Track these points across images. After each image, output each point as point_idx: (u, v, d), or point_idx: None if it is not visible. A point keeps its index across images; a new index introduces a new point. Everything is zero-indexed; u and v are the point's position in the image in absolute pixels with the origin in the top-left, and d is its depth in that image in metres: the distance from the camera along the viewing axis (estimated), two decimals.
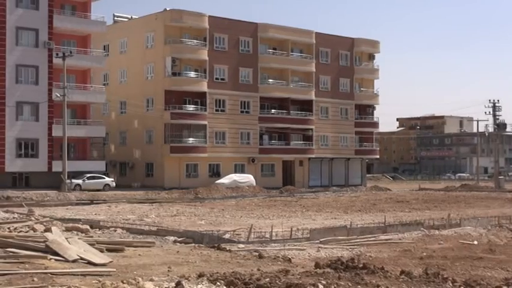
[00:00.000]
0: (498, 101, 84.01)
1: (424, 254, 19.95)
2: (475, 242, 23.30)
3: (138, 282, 11.89)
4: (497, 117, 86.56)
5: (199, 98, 69.47)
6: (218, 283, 13.09)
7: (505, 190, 69.39)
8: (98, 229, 24.20)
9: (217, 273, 14.11)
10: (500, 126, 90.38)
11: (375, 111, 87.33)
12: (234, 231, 24.45)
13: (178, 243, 20.96)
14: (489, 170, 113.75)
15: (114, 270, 14.43)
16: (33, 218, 26.06)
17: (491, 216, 32.50)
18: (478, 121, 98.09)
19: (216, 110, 70.75)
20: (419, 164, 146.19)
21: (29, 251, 15.73)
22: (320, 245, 21.65)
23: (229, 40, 72.18)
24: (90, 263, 15.14)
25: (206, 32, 69.97)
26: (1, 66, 57.52)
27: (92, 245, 17.42)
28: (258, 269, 15.07)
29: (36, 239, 17.10)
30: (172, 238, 22.10)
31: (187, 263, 16.42)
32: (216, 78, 70.89)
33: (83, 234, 20.96)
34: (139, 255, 17.56)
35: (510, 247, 22.15)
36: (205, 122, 69.36)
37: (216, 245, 20.49)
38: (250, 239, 22.21)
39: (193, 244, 20.83)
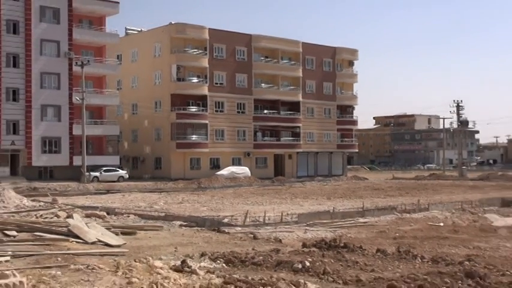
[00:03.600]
0: (461, 101, 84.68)
1: (397, 234, 20.10)
2: (441, 224, 23.48)
3: (149, 261, 11.90)
4: (460, 115, 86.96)
5: (201, 100, 69.66)
6: (218, 261, 13.14)
7: (467, 178, 69.78)
8: (113, 215, 24.22)
9: (218, 252, 14.17)
10: (463, 123, 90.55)
11: (354, 111, 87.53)
12: (232, 216, 24.47)
13: (183, 227, 20.99)
14: (454, 161, 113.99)
15: (128, 250, 14.49)
16: (56, 206, 26.01)
17: (455, 201, 32.72)
18: (444, 119, 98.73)
19: (216, 111, 70.87)
20: (393, 157, 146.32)
21: (54, 234, 15.78)
22: (307, 228, 21.72)
23: (226, 49, 72.24)
24: (106, 244, 15.19)
25: (206, 42, 70.11)
26: (28, 73, 57.83)
27: (108, 229, 17.49)
28: (253, 249, 15.12)
29: (59, 224, 17.12)
30: (178, 222, 22.11)
31: (191, 244, 16.46)
32: (216, 83, 70.98)
33: (100, 220, 20.98)
34: (149, 237, 17.60)
35: (471, 228, 22.28)
36: (207, 121, 69.61)
37: (216, 228, 20.55)
38: (246, 223, 22.26)
39: (196, 228, 20.85)
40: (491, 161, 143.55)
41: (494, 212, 28.39)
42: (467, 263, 13.46)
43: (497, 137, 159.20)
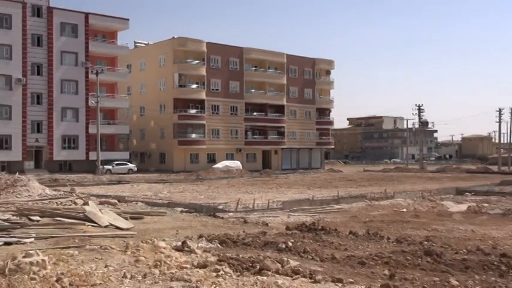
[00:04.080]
0: (422, 104, 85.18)
1: (367, 219, 20.20)
2: (404, 210, 23.63)
3: (154, 242, 11.91)
4: (421, 116, 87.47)
5: (199, 104, 69.82)
6: (213, 242, 13.17)
7: (427, 171, 70.17)
8: (123, 203, 24.17)
9: (213, 234, 14.18)
10: (424, 123, 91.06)
11: (330, 113, 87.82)
12: (225, 203, 24.55)
13: (183, 213, 20.97)
14: (415, 156, 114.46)
15: (136, 233, 14.47)
16: (74, 195, 25.94)
17: (416, 190, 33.02)
18: (407, 120, 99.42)
19: (212, 113, 70.97)
20: (364, 152, 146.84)
21: (72, 219, 15.74)
22: (290, 213, 21.80)
23: (221, 60, 72.35)
24: (117, 228, 15.19)
25: (204, 54, 70.20)
26: (50, 80, 58.18)
27: (119, 214, 17.46)
28: (243, 231, 15.14)
29: (76, 210, 17.08)
30: (179, 209, 22.10)
31: (191, 227, 16.46)
32: (212, 89, 71.09)
33: (112, 207, 20.93)
34: (154, 222, 17.58)
35: (430, 213, 22.44)
36: (204, 122, 69.73)
37: (212, 213, 20.59)
38: (238, 209, 22.30)
39: (195, 213, 20.85)
40: (447, 156, 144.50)
41: (450, 199, 28.59)
42: (426, 243, 13.59)
43: (452, 136, 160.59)
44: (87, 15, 61.00)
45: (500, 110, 76.45)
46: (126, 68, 67.42)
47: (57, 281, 8.36)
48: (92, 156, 58.50)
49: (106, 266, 9.87)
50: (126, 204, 23.74)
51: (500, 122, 76.59)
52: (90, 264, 10.05)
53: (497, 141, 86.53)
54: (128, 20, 65.84)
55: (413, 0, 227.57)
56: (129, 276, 9.04)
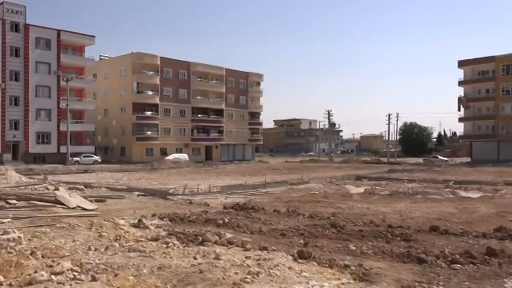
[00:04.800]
0: (331, 110, 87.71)
1: (287, 199, 20.35)
2: (317, 192, 23.96)
3: (114, 220, 11.68)
4: (330, 119, 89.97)
5: (154, 107, 68.53)
6: (164, 219, 13.05)
7: (334, 162, 71.86)
8: (89, 188, 23.42)
9: (164, 213, 14.05)
10: (332, 125, 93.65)
11: (260, 116, 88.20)
12: (175, 188, 24.26)
13: (140, 196, 20.59)
14: (326, 150, 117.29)
15: (99, 213, 14.12)
16: (47, 182, 24.93)
17: (326, 177, 33.60)
18: (319, 122, 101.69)
19: (165, 115, 69.87)
20: (286, 147, 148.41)
21: (44, 202, 15.17)
22: (227, 195, 21.83)
23: (172, 72, 71.39)
24: (84, 209, 14.77)
25: (158, 67, 69.00)
26: (26, 86, 55.85)
27: (85, 198, 16.97)
28: (189, 210, 15.07)
29: (49, 194, 16.45)
30: (136, 193, 21.65)
31: (146, 207, 16.20)
32: (164, 95, 69.98)
33: (80, 192, 20.30)
34: (115, 203, 17.17)
35: (336, 194, 22.77)
36: (158, 122, 68.62)
37: (163, 196, 20.33)
38: (185, 193, 22.11)
39: (149, 196, 20.52)
40: (350, 150, 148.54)
41: (351, 184, 29.32)
42: (332, 217, 13.93)
43: (354, 134, 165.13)
44: (59, 31, 58.86)
45: (389, 115, 79.55)
46: (92, 76, 65.13)
47: (31, 254, 8.14)
48: (63, 149, 56.46)
49: (74, 241, 9.62)
50: (92, 189, 23.02)
51: (389, 124, 79.87)
52: (60, 239, 9.76)
53: (386, 138, 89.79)
54: (94, 36, 63.90)
55: (325, 28, 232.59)
56: (93, 248, 8.85)
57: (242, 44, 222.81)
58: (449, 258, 8.30)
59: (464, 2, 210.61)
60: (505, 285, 6.80)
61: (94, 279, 6.77)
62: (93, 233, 10.46)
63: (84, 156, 57.41)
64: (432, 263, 8.07)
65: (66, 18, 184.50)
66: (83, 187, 22.72)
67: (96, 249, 8.77)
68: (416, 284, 6.74)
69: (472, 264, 7.98)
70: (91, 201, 16.46)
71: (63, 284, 6.55)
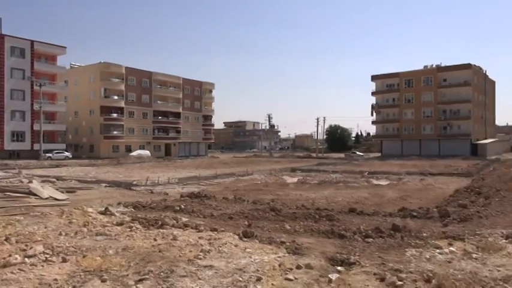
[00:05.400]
0: (271, 113, 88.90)
1: (235, 188, 20.33)
2: (259, 182, 24.03)
3: (83, 208, 11.18)
4: (270, 121, 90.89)
5: (119, 110, 66.24)
6: (129, 207, 12.65)
7: (274, 157, 72.42)
8: (61, 181, 22.26)
9: (128, 202, 13.60)
10: (272, 126, 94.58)
11: (212, 118, 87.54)
12: (138, 179, 23.60)
13: (107, 187, 19.84)
14: (267, 147, 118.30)
15: (70, 202, 13.45)
16: (21, 176, 23.47)
17: (267, 169, 33.88)
18: (261, 124, 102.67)
19: (129, 117, 67.69)
20: (234, 145, 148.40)
21: (19, 193, 14.24)
22: (183, 186, 21.52)
23: (136, 80, 69.33)
24: (55, 199, 14.01)
25: (123, 75, 66.79)
26: (2, 90, 52.02)
27: (57, 189, 16.10)
28: (150, 199, 14.68)
29: (23, 186, 15.47)
30: (104, 184, 20.86)
31: (112, 197, 15.62)
32: (129, 100, 67.81)
33: (52, 184, 19.24)
34: (84, 194, 16.44)
35: (275, 184, 22.93)
36: (123, 123, 66.43)
37: (128, 187, 19.71)
38: (147, 184, 21.57)
39: (115, 187, 19.83)
40: (286, 147, 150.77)
41: (287, 175, 29.71)
42: (271, 203, 14.01)
43: (289, 134, 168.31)
44: (32, 42, 55.35)
45: (317, 119, 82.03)
46: (64, 82, 61.96)
47: (6, 239, 7.63)
48: (36, 147, 53.33)
49: (46, 227, 9.10)
50: (63, 182, 21.89)
51: (317, 126, 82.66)
52: (33, 226, 9.21)
53: (315, 137, 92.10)
54: (65, 47, 60.65)
55: (268, 45, 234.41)
56: (64, 233, 8.43)
57: (197, 56, 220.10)
58: (364, 234, 8.62)
59: (375, 30, 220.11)
60: (406, 253, 7.15)
61: (64, 260, 6.45)
62: (64, 220, 9.95)
63: (56, 153, 54.53)
64: (350, 238, 8.35)
65: (41, 30, 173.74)
66: (54, 180, 21.58)
67: (66, 234, 8.36)
68: (338, 255, 6.94)
69: (381, 238, 8.33)
70: (62, 192, 15.66)
71: (35, 265, 6.19)
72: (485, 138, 73.46)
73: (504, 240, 7.86)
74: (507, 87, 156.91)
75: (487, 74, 78.33)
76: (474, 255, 6.85)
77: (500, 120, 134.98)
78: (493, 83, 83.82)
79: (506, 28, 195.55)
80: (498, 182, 18.63)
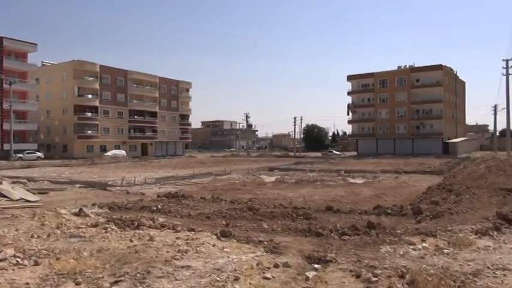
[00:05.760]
0: (249, 113, 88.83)
1: (213, 188, 20.27)
2: (237, 181, 24.03)
3: (57, 210, 10.87)
4: (248, 121, 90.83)
5: (94, 109, 64.94)
6: (104, 208, 12.40)
7: (251, 156, 72.46)
8: (33, 182, 21.61)
9: (103, 202, 13.32)
10: (249, 125, 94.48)
11: (189, 118, 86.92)
12: (113, 180, 23.17)
13: (81, 188, 19.38)
14: (244, 146, 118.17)
15: (42, 204, 13.06)
16: None
17: (244, 169, 33.94)
18: (239, 123, 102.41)
19: (104, 116, 66.47)
20: (212, 144, 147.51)
21: None
22: (160, 186, 21.29)
23: (111, 78, 68.11)
24: (27, 201, 13.58)
25: (98, 73, 65.46)
26: None
27: (28, 190, 15.60)
28: (126, 199, 14.44)
29: None
30: (78, 185, 20.38)
31: (86, 198, 15.27)
32: (104, 99, 66.56)
33: (23, 185, 18.64)
34: (58, 195, 16.00)
35: (253, 183, 23.01)
36: (98, 122, 65.21)
37: (103, 187, 19.32)
38: (123, 184, 21.21)
39: (90, 188, 19.39)
40: (264, 147, 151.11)
41: (265, 174, 29.82)
42: (249, 202, 13.99)
43: (267, 133, 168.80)
44: (1, 38, 53.49)
45: (295, 118, 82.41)
46: (35, 80, 60.18)
47: None
48: (6, 147, 51.49)
49: (17, 230, 8.81)
50: (35, 183, 21.25)
51: (295, 125, 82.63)
52: (3, 229, 8.89)
53: (293, 137, 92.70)
54: (36, 44, 58.90)
55: (245, 46, 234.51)
56: (36, 236, 8.18)
57: (174, 55, 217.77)
58: (340, 231, 8.73)
59: (350, 33, 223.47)
60: (381, 250, 7.29)
61: (36, 263, 6.27)
62: (36, 222, 9.66)
63: (27, 153, 52.93)
64: (327, 236, 8.45)
65: (11, 26, 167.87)
66: (26, 181, 20.93)
67: (38, 237, 8.12)
68: (315, 253, 7.01)
69: (357, 235, 8.46)
70: (34, 193, 15.19)
71: (6, 269, 5.99)
72: (456, 137, 75.79)
73: (474, 236, 8.14)
74: (477, 87, 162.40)
75: (458, 74, 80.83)
76: (446, 251, 7.06)
77: (470, 119, 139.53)
78: (463, 83, 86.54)
79: (476, 31, 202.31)
80: (468, 179, 19.26)
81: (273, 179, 25.22)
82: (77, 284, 5.44)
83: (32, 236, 8.12)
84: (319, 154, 74.64)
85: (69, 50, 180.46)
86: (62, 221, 9.63)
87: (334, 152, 76.79)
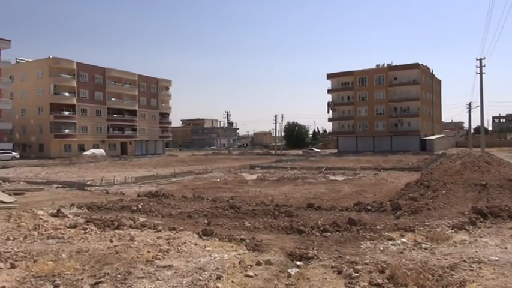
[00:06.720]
0: (229, 111, 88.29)
1: (194, 187, 20.19)
2: (218, 180, 23.98)
3: (33, 211, 10.60)
4: (229, 119, 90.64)
5: (71, 108, 63.42)
6: (82, 208, 12.16)
7: (232, 154, 72.30)
8: (7, 182, 21.01)
9: (82, 203, 13.07)
10: (230, 124, 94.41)
11: (169, 116, 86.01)
12: (92, 179, 22.75)
13: (59, 188, 18.95)
14: (226, 144, 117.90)
15: (18, 205, 12.72)
16: None
17: (226, 167, 33.76)
18: (219, 121, 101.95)
19: (81, 114, 65.05)
20: (192, 143, 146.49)
21: None
22: (141, 185, 21.03)
23: (88, 76, 66.66)
24: (2, 202, 13.18)
25: (75, 71, 63.96)
26: None
27: (2, 191, 15.15)
28: (106, 199, 14.21)
29: None
30: (55, 185, 19.93)
31: (64, 198, 14.95)
32: (81, 97, 65.12)
33: None
34: (34, 196, 15.61)
35: (234, 181, 22.93)
36: (75, 121, 63.68)
37: (81, 187, 18.95)
38: (102, 184, 20.84)
39: (68, 188, 18.98)
40: (245, 144, 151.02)
41: (246, 172, 29.91)
42: (231, 200, 14.02)
43: (248, 131, 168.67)
44: None
45: (276, 116, 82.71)
46: (8, 78, 58.36)
47: None
48: None
49: None
50: (10, 183, 20.67)
51: (276, 123, 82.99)
52: None
53: (274, 135, 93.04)
54: (10, 41, 56.93)
55: (226, 45, 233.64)
56: (12, 238, 7.96)
57: (154, 54, 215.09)
58: (322, 228, 8.82)
59: (329, 33, 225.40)
60: (362, 246, 7.41)
61: (13, 266, 6.10)
62: (12, 224, 9.40)
63: (1, 153, 51.48)
64: (309, 233, 8.52)
65: None
66: (0, 181, 20.31)
67: (14, 239, 7.91)
68: (297, 250, 7.07)
69: (338, 232, 8.57)
70: (9, 194, 14.78)
71: None
72: (433, 134, 77.54)
73: (450, 230, 8.36)
74: (452, 86, 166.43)
75: (434, 73, 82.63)
76: (424, 245, 7.22)
77: (446, 117, 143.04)
78: (439, 82, 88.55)
79: (451, 30, 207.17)
80: (445, 175, 19.74)
81: (254, 177, 25.25)
82: (56, 286, 5.33)
83: (8, 238, 7.90)
84: (300, 152, 75.07)
85: (46, 48, 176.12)
86: (39, 222, 9.40)
87: (315, 149, 77.42)
